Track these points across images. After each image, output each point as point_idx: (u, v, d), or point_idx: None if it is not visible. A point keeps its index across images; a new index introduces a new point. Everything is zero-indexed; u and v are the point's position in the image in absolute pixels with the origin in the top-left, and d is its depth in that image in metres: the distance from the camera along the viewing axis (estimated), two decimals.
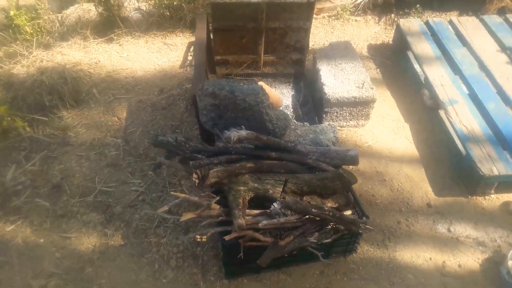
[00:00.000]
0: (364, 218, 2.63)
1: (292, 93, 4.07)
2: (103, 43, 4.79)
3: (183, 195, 2.46)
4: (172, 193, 2.43)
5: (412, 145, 3.74)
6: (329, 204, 2.68)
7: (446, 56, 4.24)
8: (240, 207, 2.45)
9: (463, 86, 3.92)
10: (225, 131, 2.41)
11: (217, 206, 2.57)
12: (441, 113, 3.76)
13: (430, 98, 3.95)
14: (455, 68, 4.10)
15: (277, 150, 2.70)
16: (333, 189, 2.64)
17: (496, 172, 3.15)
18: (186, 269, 2.88)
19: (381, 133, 3.84)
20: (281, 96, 3.93)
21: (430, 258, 2.99)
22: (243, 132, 2.45)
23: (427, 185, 3.44)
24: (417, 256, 3.00)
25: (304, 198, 2.58)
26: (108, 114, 3.95)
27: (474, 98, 3.78)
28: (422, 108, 4.02)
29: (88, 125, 3.84)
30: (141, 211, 3.22)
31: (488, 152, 3.29)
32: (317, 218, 2.53)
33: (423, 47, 4.35)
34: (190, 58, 4.64)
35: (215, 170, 2.43)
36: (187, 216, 2.43)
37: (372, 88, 3.67)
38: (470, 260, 2.98)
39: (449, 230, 3.15)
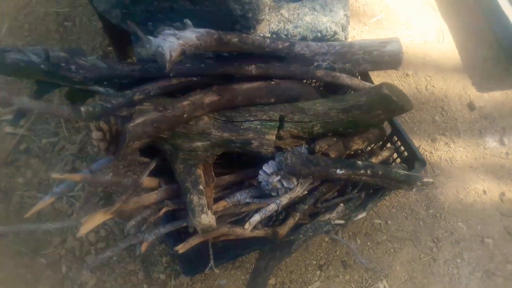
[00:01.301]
0: (416, 164, 1.50)
1: None
2: None
3: (77, 176, 1.18)
4: (54, 175, 1.14)
5: (437, 14, 2.49)
6: (355, 146, 1.51)
7: None
8: (200, 186, 1.23)
9: None
10: (150, 37, 1.04)
11: (155, 181, 1.33)
12: None
13: None
14: None
15: (259, 60, 1.39)
16: (367, 125, 1.44)
17: None
18: (116, 267, 1.74)
19: None
20: None
21: (484, 191, 2.03)
22: (191, 36, 1.09)
23: (465, 76, 2.31)
24: (466, 191, 2.03)
25: (317, 147, 1.39)
26: None
27: None
28: None
29: None
30: (26, 170, 1.92)
31: None
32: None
33: None
34: None
35: (139, 121, 1.13)
36: (91, 223, 1.18)
37: None
38: None
39: (502, 143, 2.15)
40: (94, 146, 1.16)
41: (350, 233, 1.88)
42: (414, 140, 2.07)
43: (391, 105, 1.36)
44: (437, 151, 2.11)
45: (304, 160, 1.30)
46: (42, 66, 1.23)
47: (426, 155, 2.09)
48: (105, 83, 1.31)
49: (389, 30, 2.39)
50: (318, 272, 1.80)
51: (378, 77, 2.21)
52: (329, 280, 1.79)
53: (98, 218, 1.16)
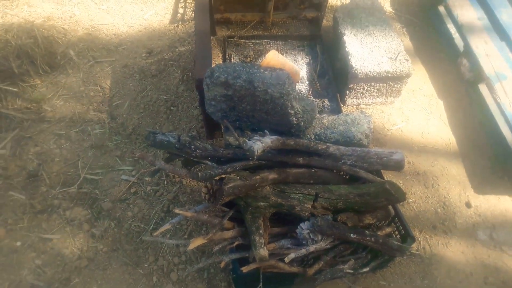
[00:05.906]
0: (408, 239, 2.16)
1: (307, 60, 3.44)
2: None
3: (189, 213, 1.95)
4: (176, 211, 1.92)
5: (447, 128, 3.22)
6: (367, 220, 2.20)
7: (490, 16, 3.58)
8: (260, 231, 1.96)
9: (511, 56, 3.32)
10: (246, 140, 1.85)
11: (231, 224, 2.08)
12: (483, 89, 3.22)
13: (470, 71, 3.38)
14: (501, 33, 3.46)
15: (305, 154, 2.17)
16: (374, 207, 2.15)
17: None
18: (189, 284, 2.44)
19: (412, 113, 3.30)
20: (295, 64, 3.31)
21: (471, 273, 2.59)
22: (268, 141, 1.90)
23: (465, 179, 2.97)
24: (456, 270, 2.60)
25: (339, 218, 2.10)
26: (89, 82, 3.30)
27: None
28: (459, 81, 3.46)
29: (66, 96, 3.21)
30: (134, 207, 2.72)
31: None
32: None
33: (460, 3, 3.68)
34: (181, 11, 3.93)
35: (231, 185, 1.91)
36: (196, 242, 1.93)
37: (407, 60, 3.07)
38: None
39: (491, 237, 2.73)
40: (202, 197, 1.93)
41: None
42: (417, 226, 2.73)
43: (390, 196, 2.07)
44: (436, 236, 2.72)
45: (329, 224, 2.01)
46: (176, 145, 2.07)
47: (427, 238, 2.71)
48: (209, 158, 2.13)
49: (408, 139, 3.12)
50: None
51: (394, 173, 2.91)
52: None
53: (200, 241, 1.91)
